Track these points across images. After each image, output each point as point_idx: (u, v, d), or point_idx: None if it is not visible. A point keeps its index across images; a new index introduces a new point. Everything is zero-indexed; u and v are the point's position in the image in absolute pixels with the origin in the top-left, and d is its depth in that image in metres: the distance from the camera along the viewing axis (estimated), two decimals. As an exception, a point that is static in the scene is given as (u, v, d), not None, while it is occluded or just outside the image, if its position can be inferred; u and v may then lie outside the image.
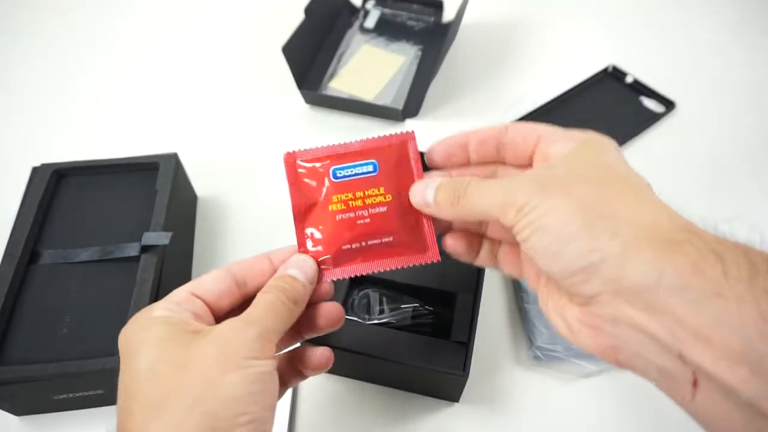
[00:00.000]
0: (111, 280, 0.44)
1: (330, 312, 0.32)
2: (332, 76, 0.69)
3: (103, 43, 0.75)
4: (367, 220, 0.32)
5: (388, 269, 0.33)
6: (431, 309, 0.45)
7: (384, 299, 0.45)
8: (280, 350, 0.32)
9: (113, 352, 0.39)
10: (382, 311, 0.45)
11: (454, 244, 0.33)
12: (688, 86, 0.66)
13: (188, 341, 0.26)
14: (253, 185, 0.59)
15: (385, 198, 0.33)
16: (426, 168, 0.34)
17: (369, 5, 0.76)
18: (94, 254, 0.45)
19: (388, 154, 0.34)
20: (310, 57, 0.69)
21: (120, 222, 0.47)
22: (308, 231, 0.33)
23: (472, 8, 0.73)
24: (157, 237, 0.44)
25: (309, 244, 0.33)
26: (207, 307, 0.29)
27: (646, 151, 0.61)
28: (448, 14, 0.74)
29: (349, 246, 0.32)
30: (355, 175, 0.33)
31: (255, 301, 0.29)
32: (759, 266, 0.21)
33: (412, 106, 0.64)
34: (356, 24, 0.75)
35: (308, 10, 0.65)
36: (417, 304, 0.45)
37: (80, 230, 0.47)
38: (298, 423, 0.43)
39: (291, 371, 0.32)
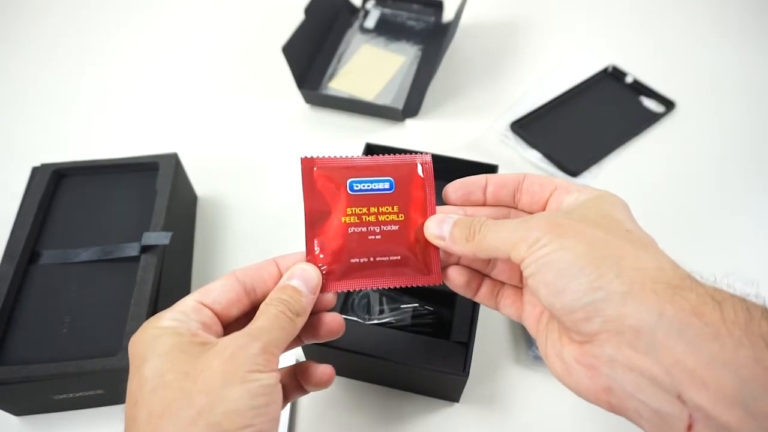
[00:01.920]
0: (111, 280, 0.44)
1: (331, 323, 0.33)
2: (332, 76, 0.69)
3: (104, 44, 0.75)
4: (378, 237, 0.33)
5: (391, 287, 0.33)
6: (431, 309, 0.45)
7: (384, 299, 0.45)
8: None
9: (113, 352, 0.39)
10: (382, 311, 0.45)
11: (456, 276, 0.33)
12: (688, 86, 0.66)
13: (196, 353, 0.26)
14: (253, 185, 0.59)
15: (397, 217, 0.33)
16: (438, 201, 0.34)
17: (369, 5, 0.76)
18: (94, 254, 0.45)
19: (404, 174, 0.34)
20: (310, 57, 0.69)
21: (120, 222, 0.47)
22: (318, 239, 0.33)
23: (472, 8, 0.73)
24: (157, 237, 0.44)
25: (317, 252, 0.32)
26: (215, 315, 0.29)
27: (646, 151, 0.61)
28: (448, 14, 0.74)
29: (357, 260, 0.32)
30: (372, 190, 0.33)
31: (258, 314, 0.29)
32: (754, 313, 0.22)
33: (412, 106, 0.64)
34: (356, 24, 0.75)
35: (308, 10, 0.65)
36: (417, 304, 0.45)
37: (80, 230, 0.47)
38: (298, 422, 0.43)
39: (293, 385, 0.33)
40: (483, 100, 0.67)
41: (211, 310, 0.29)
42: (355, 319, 0.44)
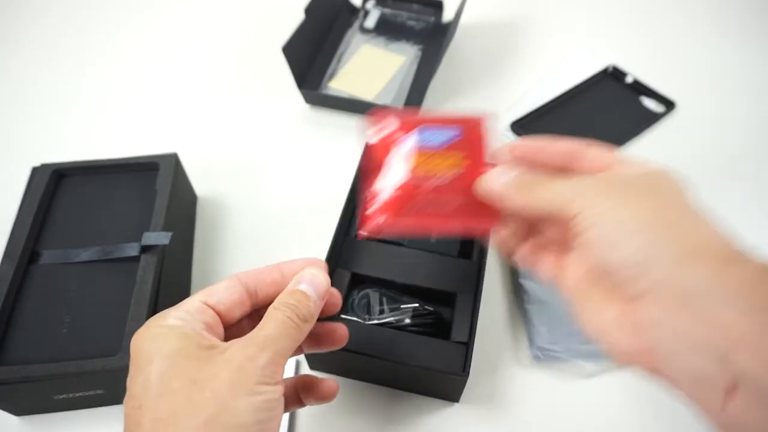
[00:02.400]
0: (111, 281, 0.44)
1: (335, 333, 0.33)
2: (332, 76, 0.69)
3: (104, 43, 0.75)
4: (443, 182, 0.33)
5: (450, 232, 0.34)
6: (431, 309, 0.45)
7: (384, 299, 0.45)
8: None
9: (113, 352, 0.39)
10: (382, 311, 0.45)
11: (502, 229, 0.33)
12: (688, 86, 0.66)
13: (203, 359, 0.26)
14: (253, 185, 0.59)
15: (463, 162, 0.34)
16: None
17: (369, 5, 0.76)
18: (94, 254, 0.45)
19: (471, 126, 0.35)
20: (310, 57, 0.69)
21: (120, 222, 0.47)
22: (378, 186, 0.34)
23: (472, 8, 0.73)
24: (157, 237, 0.44)
25: (377, 199, 0.34)
26: (218, 317, 0.29)
27: (646, 151, 0.61)
28: (448, 14, 0.74)
29: (415, 205, 0.33)
30: (440, 141, 0.35)
31: (265, 319, 0.29)
32: None
33: (412, 106, 0.64)
34: (356, 24, 0.75)
35: (308, 10, 0.65)
36: (417, 304, 0.45)
37: (80, 230, 0.47)
38: (298, 422, 0.43)
39: (292, 397, 0.33)
40: (483, 100, 0.67)
41: (215, 311, 0.29)
42: (355, 319, 0.44)
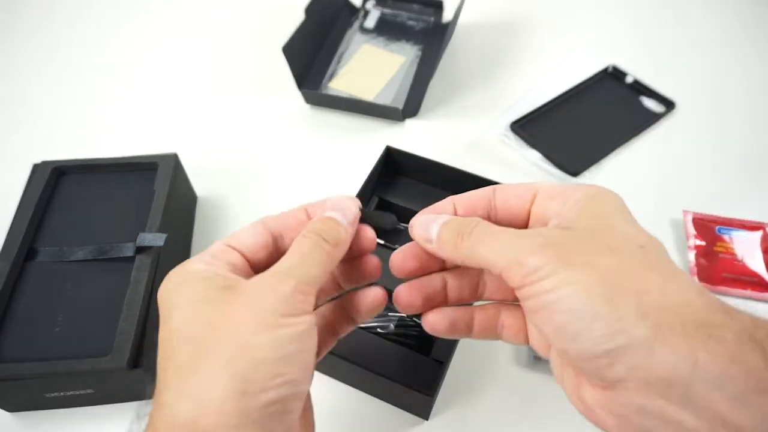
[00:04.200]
0: (106, 280, 0.44)
1: (370, 263, 0.30)
2: (332, 76, 0.69)
3: (105, 43, 0.75)
4: None
5: None
6: (417, 321, 0.44)
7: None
8: (321, 303, 0.31)
9: (104, 352, 0.39)
10: None
11: (437, 322, 0.29)
12: (688, 86, 0.66)
13: (222, 300, 0.24)
14: (254, 185, 0.59)
15: None
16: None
17: (369, 5, 0.76)
18: (90, 253, 0.45)
19: None
20: (310, 57, 0.69)
21: (118, 221, 0.47)
22: None
23: (472, 8, 0.73)
24: (153, 238, 0.44)
25: None
26: (244, 258, 0.27)
27: (646, 151, 0.61)
28: (448, 14, 0.74)
29: None
30: None
31: (291, 248, 0.26)
32: None
33: (412, 106, 0.64)
34: (356, 24, 0.75)
35: (308, 10, 0.65)
36: (403, 314, 0.44)
37: (78, 228, 0.47)
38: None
39: (340, 319, 0.30)
40: (483, 100, 0.67)
41: (240, 252, 0.28)
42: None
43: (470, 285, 0.30)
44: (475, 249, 0.25)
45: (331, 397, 0.44)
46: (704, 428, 0.20)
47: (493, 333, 0.30)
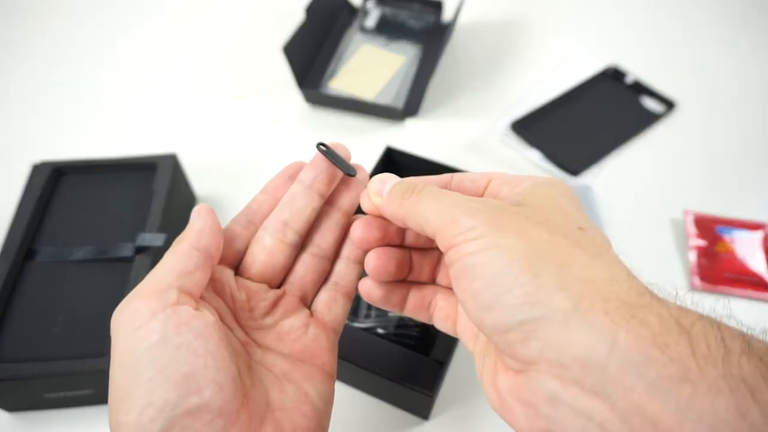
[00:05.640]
0: (105, 280, 0.44)
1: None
2: (332, 75, 0.69)
3: (104, 43, 0.75)
4: None
5: None
6: (417, 321, 0.44)
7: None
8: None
9: (102, 353, 0.39)
10: (368, 315, 0.44)
11: (370, 290, 0.30)
12: (688, 86, 0.66)
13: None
14: (254, 185, 0.59)
15: None
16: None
17: (369, 5, 0.76)
18: (89, 253, 0.45)
19: None
20: (310, 57, 0.69)
21: (117, 221, 0.47)
22: None
23: (472, 8, 0.73)
24: (152, 238, 0.44)
25: None
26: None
27: (646, 151, 0.61)
28: (448, 14, 0.74)
29: None
30: None
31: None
32: (732, 347, 0.18)
33: (412, 106, 0.64)
34: (356, 24, 0.75)
35: (308, 10, 0.65)
36: (403, 315, 0.44)
37: (77, 228, 0.47)
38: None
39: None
40: (483, 100, 0.67)
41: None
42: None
43: (430, 266, 0.30)
44: (418, 206, 0.25)
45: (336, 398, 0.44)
46: (616, 420, 0.18)
47: (425, 313, 0.30)
